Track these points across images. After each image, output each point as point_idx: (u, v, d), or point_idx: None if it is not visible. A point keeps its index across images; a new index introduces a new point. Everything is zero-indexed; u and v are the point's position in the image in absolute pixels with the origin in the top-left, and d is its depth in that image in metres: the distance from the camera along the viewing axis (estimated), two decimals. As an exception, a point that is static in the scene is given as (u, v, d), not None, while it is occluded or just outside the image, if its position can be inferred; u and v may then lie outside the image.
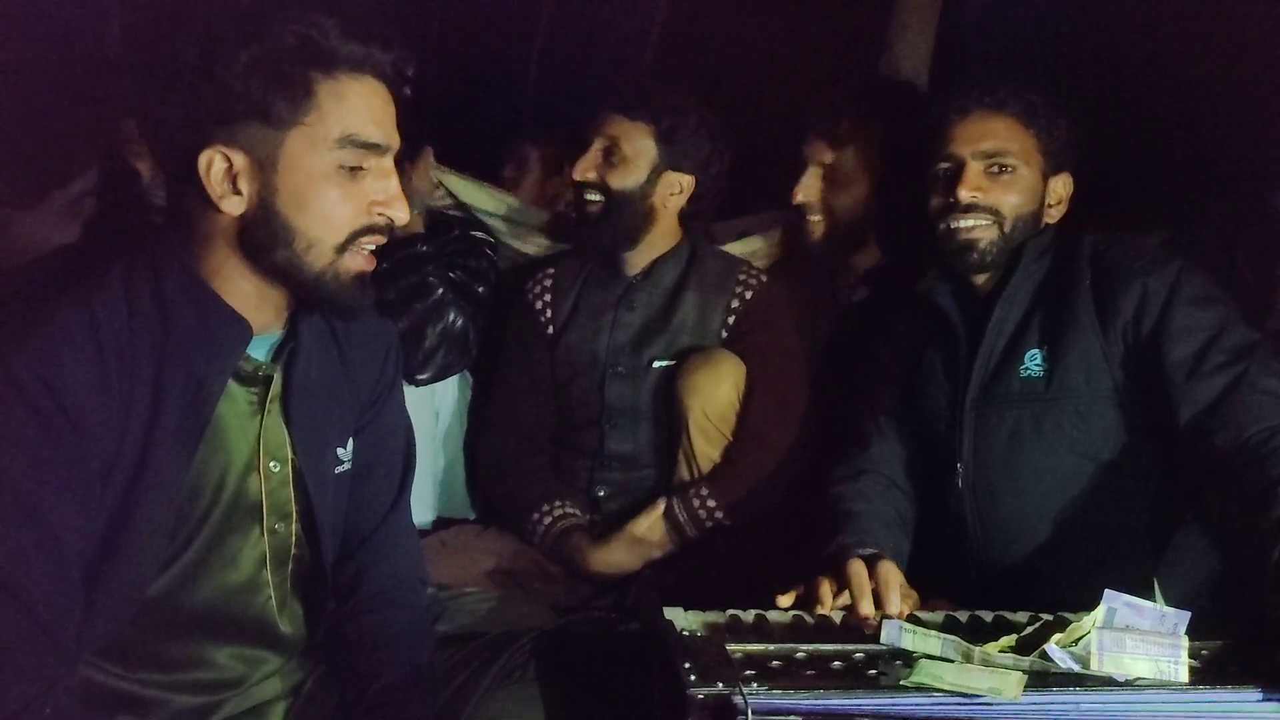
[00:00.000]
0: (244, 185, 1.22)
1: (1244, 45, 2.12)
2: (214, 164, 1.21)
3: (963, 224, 1.69)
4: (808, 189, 2.13)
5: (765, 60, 3.00)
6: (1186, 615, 1.25)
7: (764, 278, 2.18)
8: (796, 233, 2.27)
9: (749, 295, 2.14)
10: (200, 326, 1.25)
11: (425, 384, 2.18)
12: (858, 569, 1.44)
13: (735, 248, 2.30)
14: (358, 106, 1.23)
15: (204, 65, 1.19)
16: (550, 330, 2.21)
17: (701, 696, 1.13)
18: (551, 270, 2.26)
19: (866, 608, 1.39)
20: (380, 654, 1.41)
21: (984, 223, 1.68)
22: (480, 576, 2.03)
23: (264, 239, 1.24)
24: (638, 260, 2.17)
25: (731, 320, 2.13)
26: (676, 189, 2.13)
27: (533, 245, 2.38)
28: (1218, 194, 1.99)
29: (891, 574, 1.44)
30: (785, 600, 1.44)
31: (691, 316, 2.13)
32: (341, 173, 1.23)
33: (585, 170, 2.10)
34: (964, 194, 1.67)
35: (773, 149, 2.41)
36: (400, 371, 1.52)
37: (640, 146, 2.09)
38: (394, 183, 1.27)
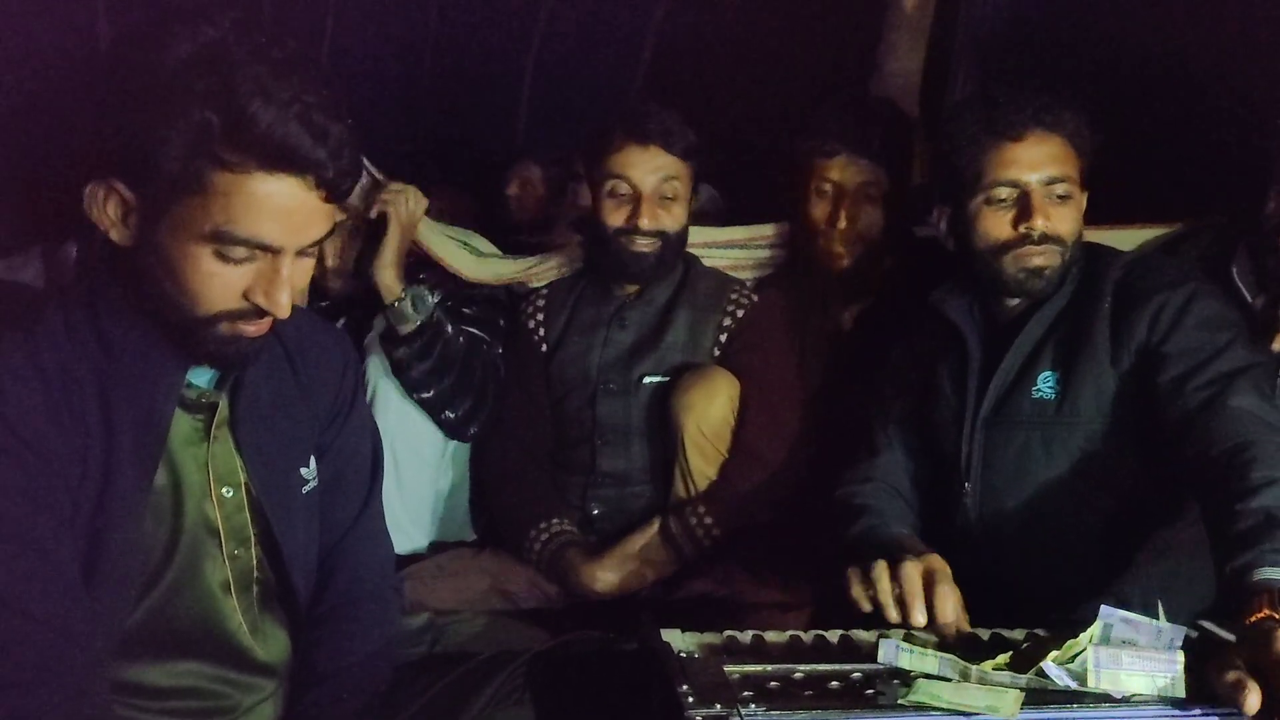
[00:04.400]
0: (132, 224, 1.18)
1: (1236, 51, 2.14)
2: (110, 195, 1.17)
3: (1035, 254, 1.63)
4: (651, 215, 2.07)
5: (757, 77, 3.01)
6: (1183, 631, 1.25)
7: (755, 296, 2.19)
8: (787, 246, 2.28)
9: (740, 314, 2.15)
10: (141, 353, 1.24)
11: (476, 437, 2.18)
12: (911, 571, 1.39)
13: (719, 259, 2.30)
14: (250, 205, 1.14)
15: (125, 94, 1.13)
16: (544, 348, 2.21)
17: (699, 718, 1.13)
18: (545, 290, 2.27)
19: (920, 617, 1.36)
20: (338, 663, 1.41)
21: (1052, 250, 1.64)
22: (476, 598, 2.03)
23: (140, 279, 1.20)
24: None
25: (723, 338, 2.14)
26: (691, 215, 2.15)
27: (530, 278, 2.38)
28: (1215, 204, 2.00)
29: (942, 572, 1.39)
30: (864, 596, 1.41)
31: (683, 334, 2.14)
32: (216, 256, 1.16)
33: (653, 218, 2.05)
34: (1041, 223, 1.61)
35: (762, 163, 2.43)
36: (361, 383, 1.51)
37: (686, 184, 2.10)
38: (279, 280, 1.18)
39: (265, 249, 1.17)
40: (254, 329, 1.22)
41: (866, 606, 1.38)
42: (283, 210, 1.16)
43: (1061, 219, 1.64)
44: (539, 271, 2.30)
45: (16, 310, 1.24)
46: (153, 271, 1.18)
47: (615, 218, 2.07)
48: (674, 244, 2.10)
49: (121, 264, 1.22)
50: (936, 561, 1.44)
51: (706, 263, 2.25)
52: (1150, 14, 2.29)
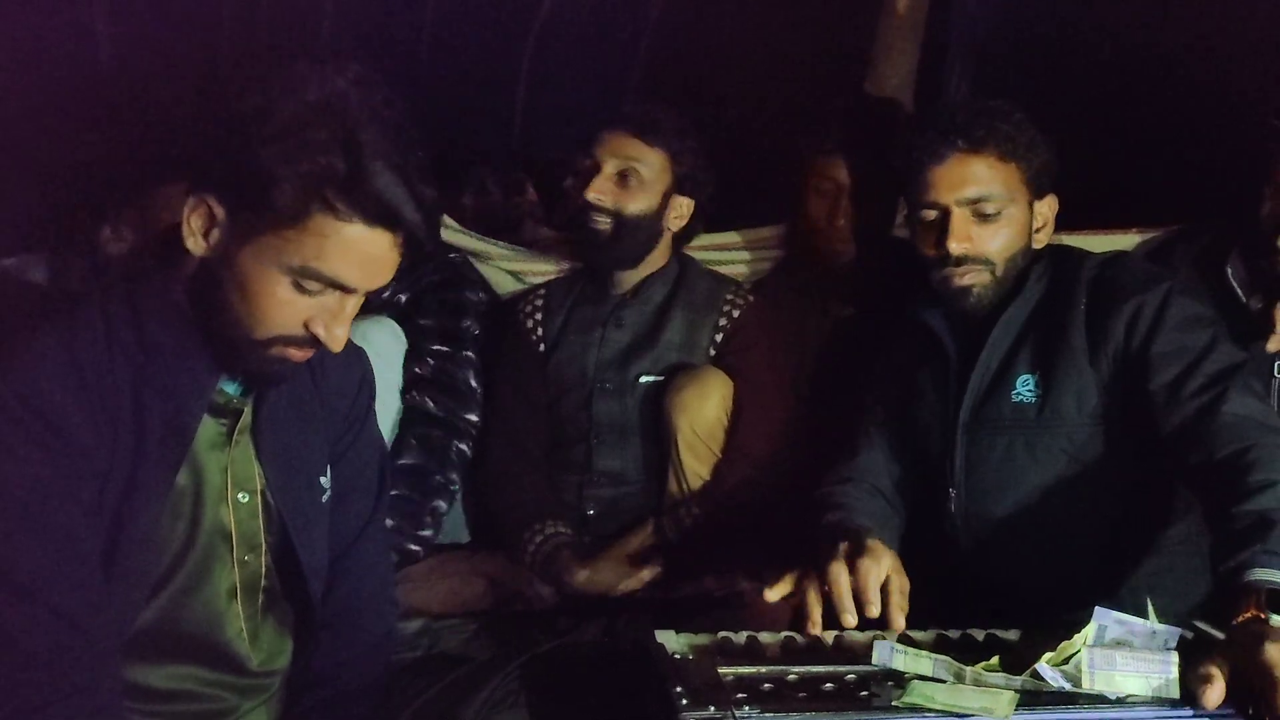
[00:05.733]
0: (213, 238, 1.22)
1: (1229, 50, 2.14)
2: (199, 207, 1.21)
3: (955, 275, 1.65)
4: (600, 189, 2.08)
5: (752, 77, 3.02)
6: (1177, 631, 1.25)
7: (751, 297, 2.19)
8: (785, 248, 2.28)
9: (736, 314, 2.15)
10: (178, 355, 1.26)
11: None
12: (839, 573, 1.40)
13: (716, 264, 2.30)
14: (341, 249, 1.20)
15: (248, 124, 1.17)
16: (541, 348, 2.21)
17: (693, 720, 1.13)
18: (543, 290, 2.27)
19: (850, 620, 1.37)
20: (332, 668, 1.42)
21: (975, 270, 1.65)
22: (472, 600, 2.02)
23: (204, 291, 1.24)
24: (629, 279, 2.18)
25: (719, 338, 2.14)
26: (680, 212, 2.15)
27: (531, 274, 2.38)
28: (1209, 206, 2.00)
29: (870, 571, 1.40)
30: (773, 595, 1.43)
31: (679, 335, 2.14)
32: (293, 285, 1.21)
33: (600, 192, 2.07)
34: (954, 247, 1.63)
35: (758, 166, 2.43)
36: (373, 398, 1.53)
37: (657, 172, 2.09)
38: (342, 316, 1.25)
39: (342, 289, 1.23)
40: (301, 355, 1.27)
41: (815, 629, 1.38)
42: (368, 258, 1.22)
43: (986, 238, 1.65)
44: (520, 261, 2.31)
45: (56, 304, 1.27)
46: (222, 286, 1.22)
47: (577, 194, 2.11)
48: (632, 228, 2.09)
49: (183, 270, 1.25)
50: (873, 549, 1.43)
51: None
52: (1143, 14, 2.30)
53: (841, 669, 1.26)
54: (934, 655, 1.24)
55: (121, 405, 1.23)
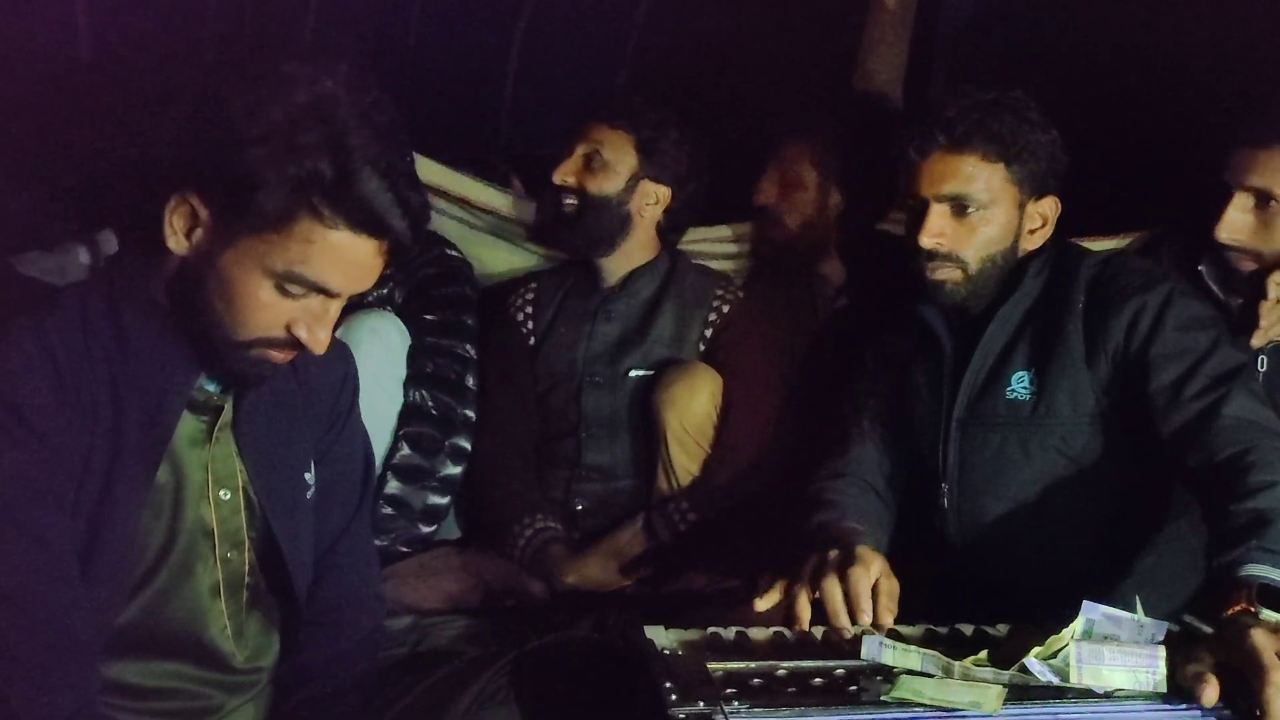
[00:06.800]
0: (196, 238, 1.21)
1: (1208, 47, 2.15)
2: (180, 207, 1.20)
3: (927, 269, 1.66)
4: (564, 171, 2.12)
5: (740, 73, 3.02)
6: (1165, 625, 1.26)
7: (741, 293, 2.20)
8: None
9: (726, 309, 2.16)
10: (157, 352, 1.25)
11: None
12: (831, 586, 1.39)
13: (709, 259, 2.30)
14: (326, 255, 1.19)
15: (235, 125, 1.16)
16: (531, 341, 2.21)
17: (683, 716, 1.12)
18: (534, 284, 2.27)
19: (846, 632, 1.36)
20: (319, 665, 1.43)
21: (947, 266, 1.65)
22: (461, 596, 2.02)
23: (185, 291, 1.23)
24: (615, 270, 2.18)
25: (709, 333, 2.15)
26: (653, 199, 2.15)
27: (522, 253, 2.37)
28: (1187, 208, 2.00)
29: (861, 579, 1.39)
30: (763, 604, 1.43)
31: (669, 329, 2.15)
32: (276, 288, 1.21)
33: (565, 173, 2.12)
34: (925, 240, 1.63)
35: (746, 163, 2.43)
36: (357, 394, 1.53)
37: (620, 154, 2.12)
38: (325, 319, 1.25)
39: (326, 293, 1.22)
40: (282, 357, 1.27)
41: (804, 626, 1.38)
42: (353, 263, 1.22)
43: (962, 235, 1.64)
44: (502, 200, 2.34)
45: (32, 299, 1.25)
46: (203, 287, 1.21)
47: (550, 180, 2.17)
48: (595, 208, 2.11)
49: (163, 268, 1.24)
50: (863, 557, 1.42)
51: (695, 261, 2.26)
52: (1133, 14, 2.30)
53: (830, 664, 1.26)
54: (922, 650, 1.24)
55: (99, 402, 1.22)
